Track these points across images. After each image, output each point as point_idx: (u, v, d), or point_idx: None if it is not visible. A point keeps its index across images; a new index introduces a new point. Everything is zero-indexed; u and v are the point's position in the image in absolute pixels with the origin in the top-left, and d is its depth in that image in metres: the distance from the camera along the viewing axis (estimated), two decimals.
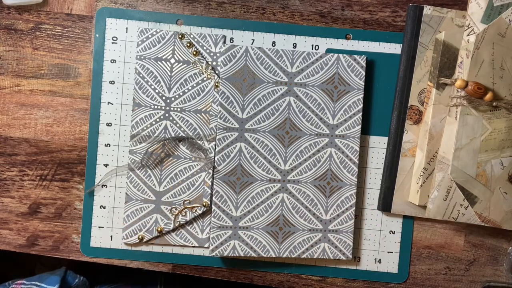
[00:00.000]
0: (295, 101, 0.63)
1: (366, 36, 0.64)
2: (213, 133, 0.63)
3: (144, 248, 0.64)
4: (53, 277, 0.62)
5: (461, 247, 0.66)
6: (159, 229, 0.63)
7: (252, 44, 0.64)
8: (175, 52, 0.63)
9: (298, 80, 0.63)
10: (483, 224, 0.62)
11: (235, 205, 0.63)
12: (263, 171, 0.63)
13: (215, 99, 0.63)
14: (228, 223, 0.62)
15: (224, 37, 0.63)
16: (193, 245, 0.63)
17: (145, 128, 0.63)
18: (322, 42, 0.64)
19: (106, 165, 0.64)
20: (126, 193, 0.63)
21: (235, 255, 0.62)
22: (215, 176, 0.62)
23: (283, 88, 0.63)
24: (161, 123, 0.63)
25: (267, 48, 0.63)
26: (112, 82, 0.63)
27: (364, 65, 0.63)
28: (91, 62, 0.64)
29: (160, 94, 0.63)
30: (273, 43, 0.64)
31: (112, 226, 0.64)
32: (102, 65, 0.63)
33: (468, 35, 0.61)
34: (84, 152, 0.64)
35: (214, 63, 0.63)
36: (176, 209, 0.63)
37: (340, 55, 0.63)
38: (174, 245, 0.64)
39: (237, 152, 0.63)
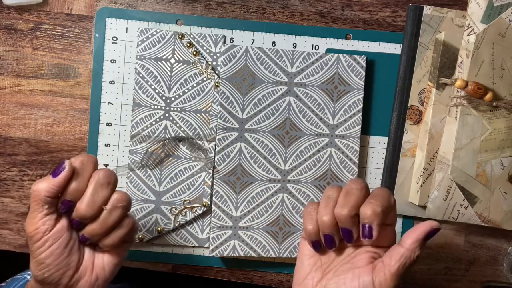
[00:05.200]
0: (295, 101, 0.63)
1: (366, 36, 0.64)
2: (213, 133, 0.63)
3: (144, 248, 0.64)
4: None
5: (461, 247, 0.66)
6: (159, 229, 0.63)
7: (252, 44, 0.64)
8: (175, 52, 0.63)
9: (298, 80, 0.63)
10: (483, 224, 0.62)
11: (235, 205, 0.63)
12: (263, 171, 0.63)
13: (215, 99, 0.63)
14: (228, 223, 0.62)
15: (224, 37, 0.63)
16: (193, 245, 0.63)
17: (145, 128, 0.63)
18: (322, 42, 0.64)
19: (106, 165, 0.64)
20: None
21: (235, 255, 0.62)
22: (215, 176, 0.62)
23: (283, 88, 0.63)
24: (161, 123, 0.63)
25: (267, 48, 0.63)
26: (112, 82, 0.63)
27: (364, 65, 0.63)
28: (91, 62, 0.64)
29: (160, 94, 0.63)
30: (273, 43, 0.64)
31: None
32: (102, 65, 0.63)
33: (468, 35, 0.61)
34: (84, 152, 0.64)
35: (214, 63, 0.63)
36: (176, 209, 0.63)
37: (340, 55, 0.63)
38: (174, 245, 0.64)
39: (237, 152, 0.63)
